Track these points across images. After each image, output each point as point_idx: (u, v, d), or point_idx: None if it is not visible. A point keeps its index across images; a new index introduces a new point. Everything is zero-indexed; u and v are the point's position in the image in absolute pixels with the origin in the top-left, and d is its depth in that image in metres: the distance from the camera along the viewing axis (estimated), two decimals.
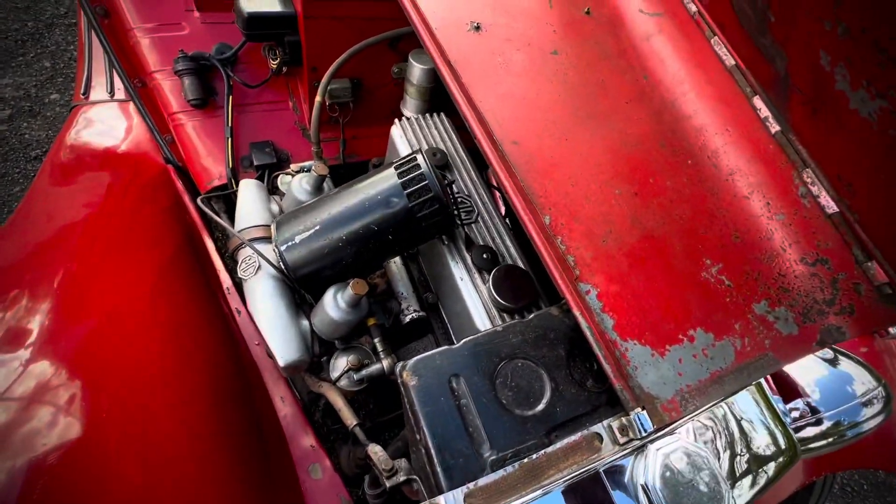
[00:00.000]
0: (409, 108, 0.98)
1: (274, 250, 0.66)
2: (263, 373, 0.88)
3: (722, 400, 0.46)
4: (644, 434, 0.42)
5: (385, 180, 0.61)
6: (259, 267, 0.64)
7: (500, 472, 0.41)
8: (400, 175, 0.61)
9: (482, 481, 0.40)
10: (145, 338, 0.75)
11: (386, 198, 0.61)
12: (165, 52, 0.94)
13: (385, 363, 0.64)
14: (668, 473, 0.39)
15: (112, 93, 1.57)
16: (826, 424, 0.68)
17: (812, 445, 0.66)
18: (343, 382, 0.65)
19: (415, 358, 0.48)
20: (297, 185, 0.71)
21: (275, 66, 0.95)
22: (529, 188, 0.50)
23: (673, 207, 0.52)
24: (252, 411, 0.81)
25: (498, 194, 1.01)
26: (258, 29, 0.83)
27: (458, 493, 0.39)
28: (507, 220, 0.81)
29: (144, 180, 1.18)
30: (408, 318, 0.71)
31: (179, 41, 0.94)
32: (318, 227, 0.61)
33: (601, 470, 0.41)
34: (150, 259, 0.92)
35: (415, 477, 0.48)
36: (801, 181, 0.53)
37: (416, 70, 0.90)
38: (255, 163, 0.95)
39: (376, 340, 0.66)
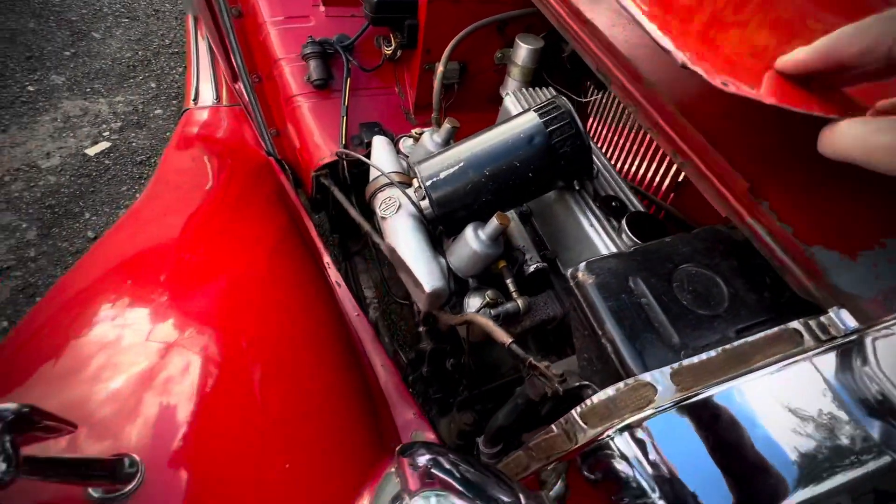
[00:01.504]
0: (510, 89, 1.03)
1: (416, 190, 0.69)
2: (364, 342, 0.90)
3: None
4: (848, 331, 0.40)
5: (527, 121, 0.64)
6: (400, 206, 0.68)
7: (703, 356, 0.39)
8: (541, 115, 0.63)
9: (686, 362, 0.39)
10: (269, 298, 0.78)
11: (529, 135, 0.63)
12: (292, 42, 1.05)
13: (520, 302, 0.65)
14: None
15: (218, 98, 1.73)
16: None
17: None
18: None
19: (586, 260, 0.48)
20: (427, 138, 0.76)
21: (389, 53, 1.02)
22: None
23: None
24: (362, 373, 0.82)
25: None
26: (385, 13, 0.92)
27: (665, 370, 0.38)
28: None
29: (249, 169, 1.27)
30: (532, 268, 0.71)
31: (306, 31, 1.04)
32: (462, 164, 0.64)
33: (812, 360, 0.39)
34: (263, 235, 0.98)
35: (587, 383, 0.47)
36: None
37: (523, 50, 0.95)
38: (366, 140, 1.01)
39: (508, 281, 0.67)
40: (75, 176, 1.89)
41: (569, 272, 0.49)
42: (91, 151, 1.99)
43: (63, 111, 2.13)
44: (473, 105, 1.14)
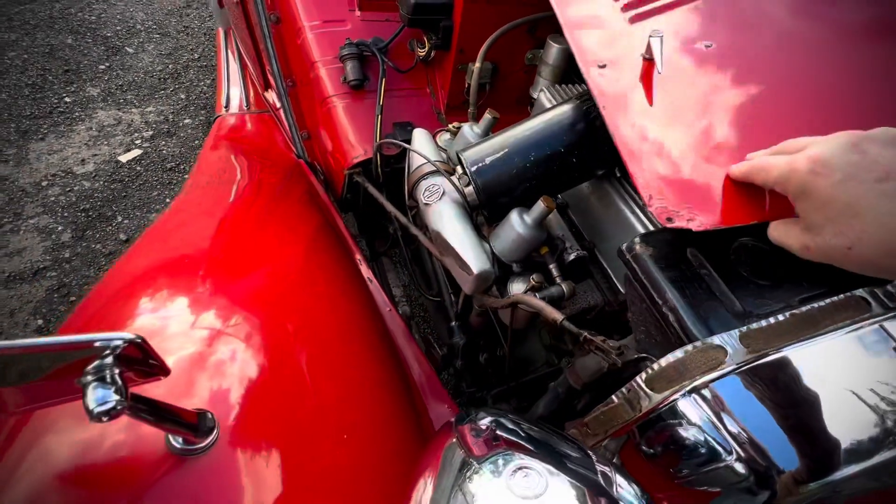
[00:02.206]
0: (539, 88, 1.05)
1: (460, 177, 0.71)
2: (395, 336, 0.90)
3: None
4: None
5: (571, 108, 0.65)
6: (444, 193, 0.69)
7: (771, 320, 0.40)
8: (584, 102, 0.65)
9: (754, 325, 0.39)
10: (309, 288, 0.80)
11: (572, 121, 0.64)
12: (328, 45, 1.08)
13: (564, 286, 0.65)
14: None
15: (248, 105, 1.79)
16: None
17: None
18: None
19: (641, 233, 0.49)
20: (467, 129, 0.77)
21: (422, 54, 1.05)
22: None
23: None
24: (399, 365, 0.83)
25: None
26: (421, 14, 0.95)
27: (734, 333, 0.39)
28: None
29: (280, 170, 1.31)
30: (572, 256, 0.72)
31: (342, 35, 1.08)
32: (507, 150, 0.65)
33: (882, 325, 0.39)
34: (299, 230, 1.01)
35: (646, 354, 0.47)
36: None
37: (554, 50, 0.97)
38: (399, 139, 1.03)
39: (552, 266, 0.67)
40: (108, 181, 1.95)
41: (623, 246, 0.49)
42: (124, 158, 2.06)
43: (98, 121, 2.21)
44: (503, 106, 1.16)
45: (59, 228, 1.76)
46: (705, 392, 0.38)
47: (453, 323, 1.00)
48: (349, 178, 1.11)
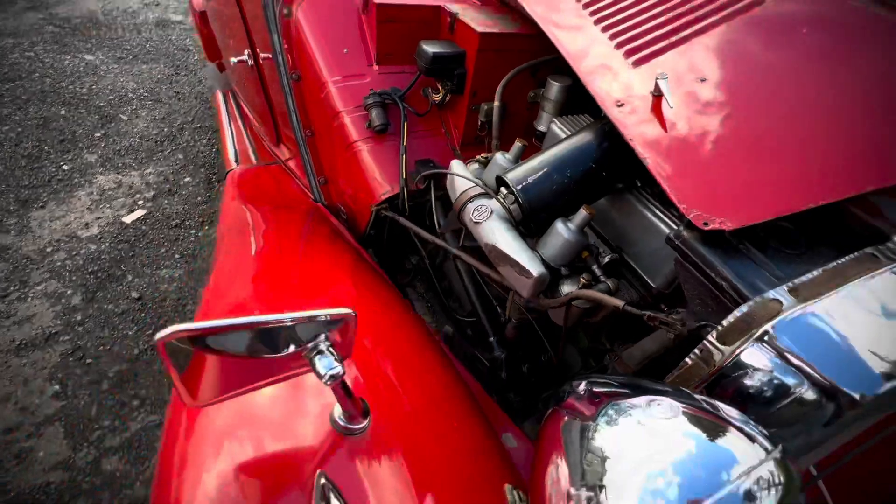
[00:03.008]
0: (544, 122, 1.18)
1: (505, 197, 0.80)
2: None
3: None
4: None
5: (594, 132, 0.77)
6: (492, 212, 0.78)
7: (807, 276, 0.49)
8: (604, 125, 0.76)
9: (797, 280, 0.48)
10: (366, 308, 0.86)
11: (599, 140, 0.76)
12: (350, 97, 1.20)
13: (609, 283, 0.74)
14: None
15: (258, 158, 1.88)
16: None
17: None
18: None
19: (685, 221, 0.59)
20: (500, 157, 0.88)
21: (437, 99, 1.18)
22: None
23: None
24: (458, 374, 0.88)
25: None
26: (438, 65, 1.08)
27: (783, 288, 0.48)
28: None
29: (302, 213, 1.39)
30: (607, 259, 0.81)
31: (363, 87, 1.19)
32: (546, 170, 0.75)
33: (892, 271, 0.49)
34: (338, 259, 1.08)
35: (706, 322, 0.55)
36: None
37: (555, 88, 1.11)
38: (422, 172, 1.14)
39: (594, 267, 0.76)
40: (114, 242, 1.97)
41: (671, 234, 0.59)
42: (128, 219, 2.08)
43: (98, 185, 2.25)
44: (508, 140, 1.29)
45: (69, 292, 1.75)
46: (771, 337, 0.46)
47: (491, 338, 1.06)
48: (376, 214, 1.19)
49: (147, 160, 2.44)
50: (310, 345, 0.33)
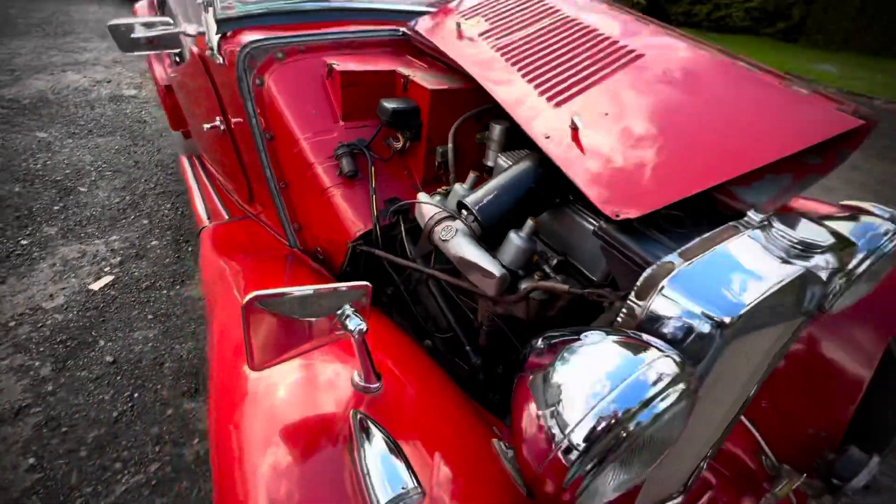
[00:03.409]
0: (491, 158, 1.39)
1: (465, 218, 0.96)
2: None
3: None
4: (760, 220, 0.70)
5: (532, 160, 0.96)
6: (457, 231, 0.94)
7: (690, 244, 0.67)
8: (538, 155, 0.96)
9: (682, 248, 0.66)
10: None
11: (536, 167, 0.95)
12: (321, 150, 1.35)
13: (559, 277, 0.90)
14: None
15: (229, 214, 1.98)
16: None
17: None
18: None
19: (606, 221, 0.77)
20: (458, 187, 1.05)
21: (399, 146, 1.36)
22: None
23: None
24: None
25: None
26: (398, 118, 1.27)
27: (674, 254, 0.65)
28: None
29: (281, 259, 1.50)
30: (555, 261, 0.98)
31: (332, 141, 1.36)
32: (497, 192, 0.93)
33: (748, 235, 0.68)
34: None
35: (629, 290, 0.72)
36: None
37: (497, 130, 1.32)
38: (391, 209, 1.30)
39: (545, 266, 0.93)
40: (82, 311, 1.96)
41: (596, 227, 0.76)
42: (95, 286, 2.08)
43: (61, 256, 2.24)
44: (463, 175, 1.49)
45: (37, 364, 1.72)
46: (670, 288, 0.63)
47: (467, 347, 1.19)
48: (352, 250, 1.33)
49: (111, 228, 2.46)
50: (338, 311, 0.46)
